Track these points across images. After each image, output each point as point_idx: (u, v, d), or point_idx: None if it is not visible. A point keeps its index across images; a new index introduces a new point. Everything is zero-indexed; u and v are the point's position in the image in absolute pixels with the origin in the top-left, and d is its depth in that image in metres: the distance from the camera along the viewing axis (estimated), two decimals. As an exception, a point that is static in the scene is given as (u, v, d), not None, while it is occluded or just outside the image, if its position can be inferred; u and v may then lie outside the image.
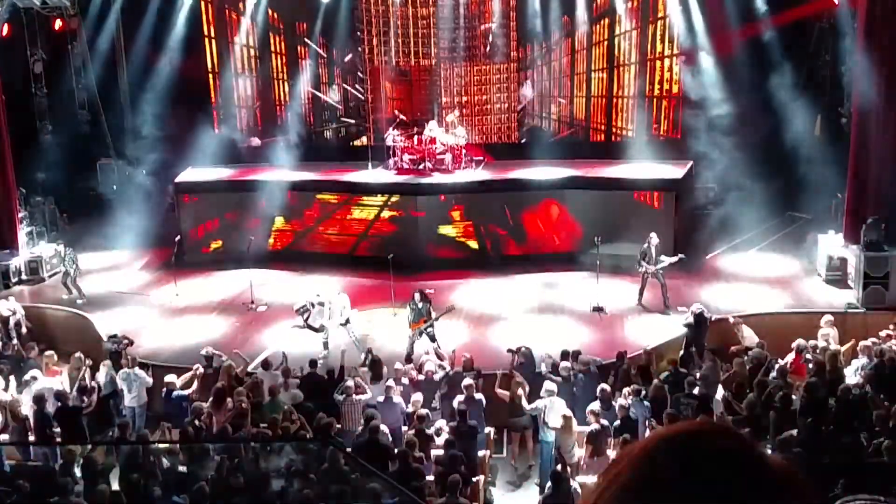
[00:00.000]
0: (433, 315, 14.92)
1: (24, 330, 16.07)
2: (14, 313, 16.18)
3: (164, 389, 13.03)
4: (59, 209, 21.96)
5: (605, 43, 22.55)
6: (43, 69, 23.16)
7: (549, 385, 12.18)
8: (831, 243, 17.43)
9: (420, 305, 14.87)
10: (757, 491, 1.27)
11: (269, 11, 22.41)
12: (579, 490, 9.91)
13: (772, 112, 19.40)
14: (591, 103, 23.03)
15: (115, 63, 23.40)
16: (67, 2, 18.53)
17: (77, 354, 14.11)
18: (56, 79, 23.45)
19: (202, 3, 22.38)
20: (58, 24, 22.06)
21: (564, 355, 13.39)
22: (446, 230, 20.25)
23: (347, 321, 15.25)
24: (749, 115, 19.60)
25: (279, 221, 20.98)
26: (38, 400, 12.17)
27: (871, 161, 16.56)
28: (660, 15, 21.57)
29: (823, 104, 20.50)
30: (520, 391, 12.45)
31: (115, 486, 9.95)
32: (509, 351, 13.48)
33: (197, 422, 11.49)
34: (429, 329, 14.81)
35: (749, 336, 14.22)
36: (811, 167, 18.52)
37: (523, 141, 22.79)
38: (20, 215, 19.76)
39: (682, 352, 14.16)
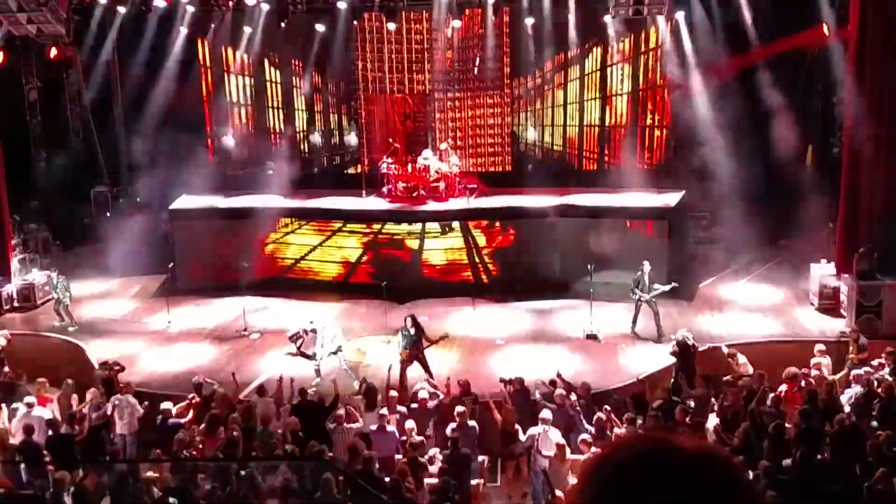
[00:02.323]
0: (424, 342, 14.86)
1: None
2: (10, 341, 16.11)
3: (160, 417, 12.93)
4: (53, 236, 21.94)
5: (598, 73, 22.72)
6: (38, 97, 23.23)
7: (543, 413, 12.15)
8: (824, 272, 17.46)
9: (412, 331, 14.81)
10: (671, 478, 1.42)
11: (265, 41, 22.51)
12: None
13: (764, 141, 19.52)
14: (584, 132, 23.17)
15: (110, 91, 23.49)
16: (63, 30, 18.61)
17: (68, 381, 14.04)
18: (51, 107, 23.52)
19: (198, 34, 22.48)
20: (53, 52, 22.14)
21: (552, 383, 13.35)
22: (440, 257, 20.29)
23: (339, 349, 15.19)
24: (741, 145, 19.70)
25: (273, 249, 21.00)
26: (27, 429, 12.08)
27: (862, 190, 16.65)
28: (651, 46, 21.76)
29: (815, 134, 20.63)
30: (516, 427, 12.35)
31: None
32: (502, 381, 13.45)
33: (186, 452, 11.43)
34: (420, 356, 14.75)
35: (744, 364, 14.20)
36: (803, 196, 18.62)
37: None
38: (13, 242, 19.73)
39: (672, 380, 14.15)
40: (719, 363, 14.61)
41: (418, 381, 14.19)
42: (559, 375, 13.62)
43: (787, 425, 11.64)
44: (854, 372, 13.40)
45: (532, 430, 12.02)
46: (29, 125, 23.19)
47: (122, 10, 20.04)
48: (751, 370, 13.93)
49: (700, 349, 14.86)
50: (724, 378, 13.91)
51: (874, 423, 11.76)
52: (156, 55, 21.60)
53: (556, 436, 11.77)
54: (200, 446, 11.79)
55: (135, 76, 22.16)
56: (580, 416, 12.48)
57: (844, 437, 11.05)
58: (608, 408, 12.28)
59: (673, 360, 14.55)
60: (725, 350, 14.62)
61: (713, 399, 13.33)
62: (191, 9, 20.38)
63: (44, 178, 22.92)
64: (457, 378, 13.75)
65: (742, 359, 14.34)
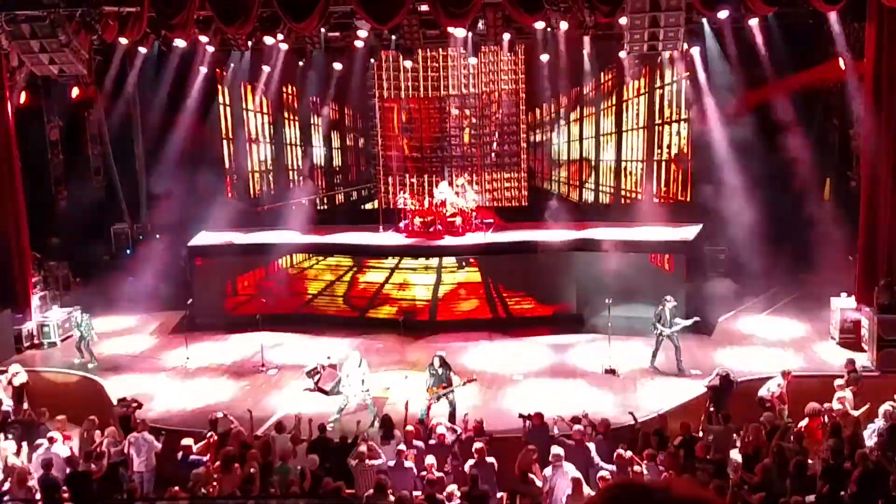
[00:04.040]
0: (454, 381, 14.77)
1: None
2: (28, 382, 16.19)
3: (181, 453, 12.92)
4: (73, 274, 22.10)
5: (614, 108, 22.81)
6: (59, 136, 23.51)
7: (554, 450, 12.04)
8: (844, 305, 17.33)
9: (440, 371, 14.74)
10: None
11: (284, 79, 22.73)
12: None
13: (781, 175, 19.50)
14: (601, 166, 23.22)
15: (131, 130, 23.78)
16: (85, 70, 18.89)
17: (91, 418, 14.06)
18: (72, 145, 23.80)
19: (217, 72, 22.77)
20: (75, 92, 22.44)
21: (576, 420, 13.25)
22: (457, 292, 20.28)
23: (367, 389, 15.10)
24: (758, 179, 19.68)
25: (290, 284, 21.06)
26: (45, 465, 12.10)
27: (881, 223, 16.58)
28: (667, 81, 21.85)
29: (833, 167, 20.59)
30: (533, 473, 12.22)
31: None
32: (521, 416, 13.37)
33: (203, 490, 11.41)
34: (449, 395, 14.68)
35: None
36: (822, 230, 18.55)
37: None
38: (34, 280, 19.88)
39: (704, 415, 14.06)
40: (742, 399, 14.47)
41: (438, 418, 14.14)
42: (585, 415, 13.47)
43: (809, 461, 11.52)
44: (883, 407, 13.22)
45: (546, 471, 11.90)
46: (50, 163, 23.46)
47: (143, 50, 20.33)
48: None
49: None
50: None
51: (897, 459, 11.62)
52: (176, 94, 21.86)
53: (571, 470, 11.65)
54: (216, 484, 11.76)
55: (155, 115, 22.42)
56: (595, 453, 12.37)
57: (868, 472, 10.92)
58: (621, 452, 12.12)
59: (708, 392, 14.44)
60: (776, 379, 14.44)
61: (735, 435, 13.20)
62: (210, 49, 20.64)
63: (65, 216, 23.14)
64: (472, 418, 13.67)
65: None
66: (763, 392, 14.41)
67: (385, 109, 23.45)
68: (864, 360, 16.11)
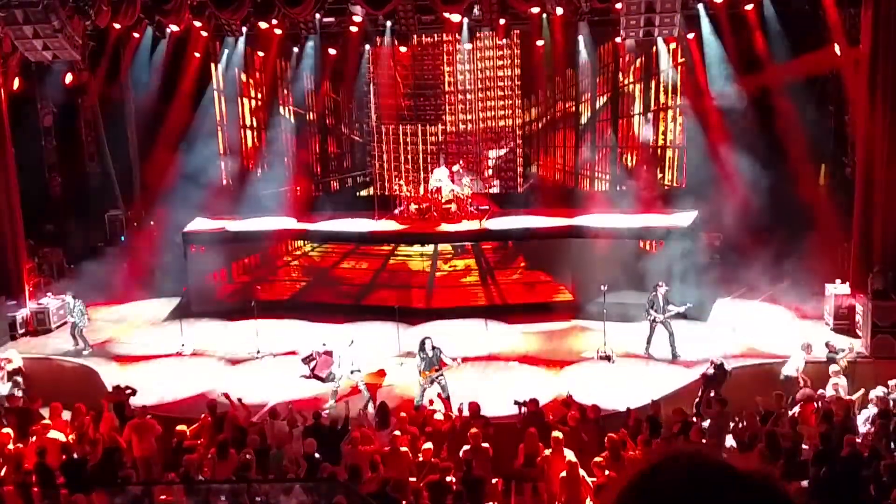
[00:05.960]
0: (447, 363, 14.82)
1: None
2: (22, 369, 16.18)
3: (175, 440, 12.95)
4: (67, 260, 22.05)
5: (609, 94, 22.77)
6: (53, 122, 23.42)
7: (554, 434, 12.08)
8: (839, 291, 17.35)
9: (430, 353, 14.79)
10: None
11: (278, 64, 22.68)
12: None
13: (776, 162, 19.49)
14: (597, 153, 23.20)
15: (125, 116, 23.67)
16: (78, 56, 18.79)
17: (80, 406, 14.06)
18: (66, 132, 23.70)
19: (211, 58, 22.71)
20: (68, 77, 22.33)
21: (564, 404, 13.30)
22: (452, 279, 20.28)
23: (357, 371, 15.17)
24: (753, 165, 19.67)
25: (286, 271, 21.06)
26: (40, 453, 12.11)
27: (876, 209, 16.59)
28: (663, 67, 21.79)
29: (828, 153, 20.58)
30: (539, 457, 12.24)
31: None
32: (516, 403, 13.40)
33: (200, 476, 11.44)
34: (440, 377, 14.73)
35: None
36: (816, 216, 18.56)
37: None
38: (28, 266, 19.83)
39: (696, 400, 14.08)
40: (739, 385, 14.51)
41: (433, 403, 14.19)
42: (570, 396, 13.58)
43: (803, 447, 11.57)
44: (872, 393, 13.28)
45: (545, 452, 11.96)
46: (44, 150, 23.36)
47: (136, 35, 20.24)
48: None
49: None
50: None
51: (892, 444, 11.67)
52: (170, 80, 21.78)
53: (567, 454, 11.69)
54: (206, 469, 11.77)
55: (149, 101, 22.33)
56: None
57: (860, 457, 10.97)
58: (612, 435, 12.16)
59: (702, 379, 14.46)
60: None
61: (731, 421, 13.25)
62: (204, 34, 20.55)
63: (59, 202, 23.06)
64: (467, 401, 13.70)
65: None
66: (789, 371, 14.46)
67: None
68: (858, 346, 16.16)
